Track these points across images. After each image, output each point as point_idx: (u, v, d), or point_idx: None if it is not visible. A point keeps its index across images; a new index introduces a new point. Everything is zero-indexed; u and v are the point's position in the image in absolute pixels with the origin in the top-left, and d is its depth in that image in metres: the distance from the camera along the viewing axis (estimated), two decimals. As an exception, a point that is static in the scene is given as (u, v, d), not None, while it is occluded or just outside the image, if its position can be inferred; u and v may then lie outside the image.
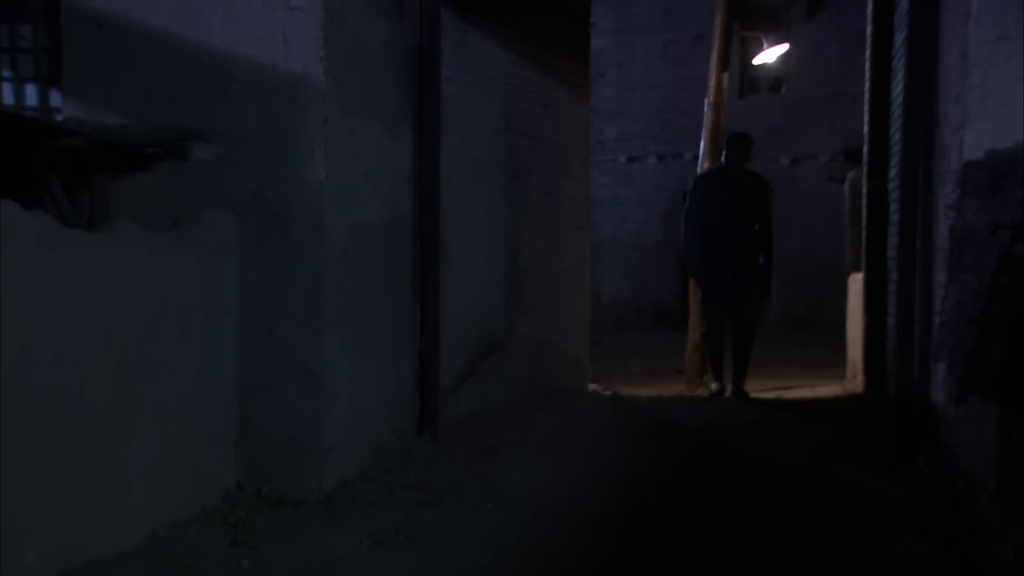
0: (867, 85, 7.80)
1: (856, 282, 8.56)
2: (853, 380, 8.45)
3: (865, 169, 7.89)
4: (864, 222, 7.88)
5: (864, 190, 7.91)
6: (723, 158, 7.91)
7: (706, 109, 9.31)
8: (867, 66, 7.81)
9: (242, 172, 4.64)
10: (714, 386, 8.16)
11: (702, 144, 9.35)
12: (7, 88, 5.40)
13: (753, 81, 16.23)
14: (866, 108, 7.87)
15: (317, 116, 4.59)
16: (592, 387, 8.25)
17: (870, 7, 7.78)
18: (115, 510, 3.80)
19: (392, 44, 5.29)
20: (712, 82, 9.19)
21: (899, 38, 6.62)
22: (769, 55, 13.67)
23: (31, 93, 5.33)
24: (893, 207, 6.67)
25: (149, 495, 4.00)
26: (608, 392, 8.21)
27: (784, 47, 13.47)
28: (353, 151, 4.87)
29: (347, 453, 4.87)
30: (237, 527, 4.17)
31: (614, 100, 16.29)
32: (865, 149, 7.87)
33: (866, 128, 7.85)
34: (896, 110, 6.60)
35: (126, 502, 3.86)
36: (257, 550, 3.96)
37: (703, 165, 9.32)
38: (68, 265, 3.57)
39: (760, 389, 8.66)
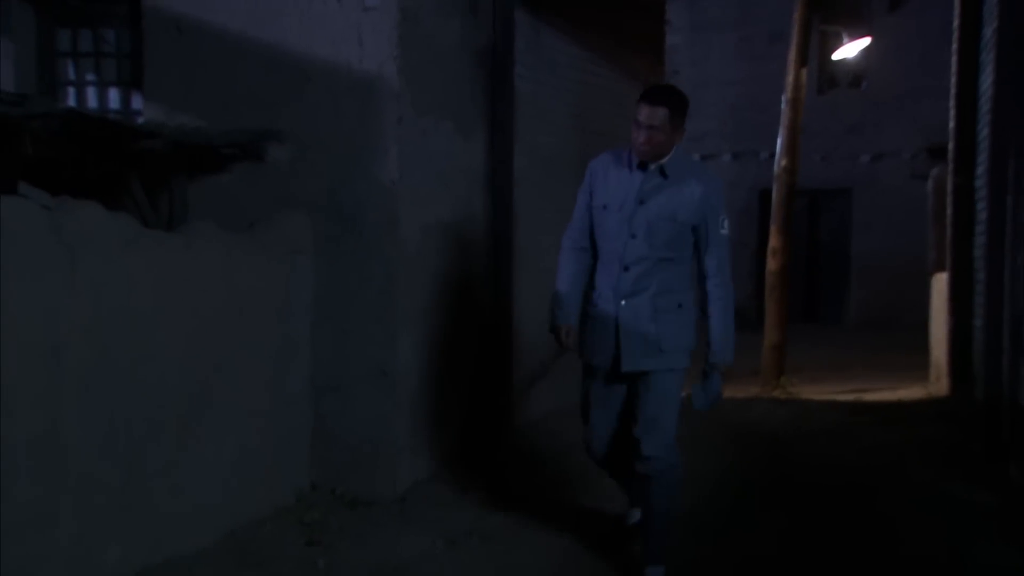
0: (953, 80, 7.56)
1: (940, 282, 8.31)
2: (937, 383, 8.20)
3: (951, 166, 7.65)
4: (949, 220, 7.64)
5: (949, 188, 7.67)
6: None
7: (783, 106, 9.12)
8: (953, 60, 7.56)
9: (317, 172, 4.66)
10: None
11: (779, 142, 9.16)
12: (91, 92, 5.52)
13: (832, 77, 15.87)
14: (952, 103, 7.62)
15: (391, 116, 4.59)
16: (666, 388, 8.11)
17: (957, -1, 7.54)
18: (193, 509, 3.84)
19: (465, 43, 5.27)
20: (790, 78, 9.00)
21: (988, 30, 6.39)
22: (850, 50, 13.34)
23: (114, 96, 5.45)
24: (980, 205, 6.44)
25: (226, 494, 4.04)
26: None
27: (865, 41, 13.14)
28: (426, 151, 4.86)
29: (420, 454, 4.87)
30: (312, 527, 4.19)
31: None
32: (951, 145, 7.63)
33: (952, 124, 7.61)
34: (984, 105, 6.37)
35: (204, 501, 3.90)
36: (332, 550, 3.97)
37: (780, 164, 9.13)
38: (148, 266, 3.62)
39: (839, 392, 8.47)
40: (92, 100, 5.52)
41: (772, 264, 9.13)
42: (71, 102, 5.46)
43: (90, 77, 5.53)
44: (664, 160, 3.65)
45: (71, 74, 5.54)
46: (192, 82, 4.84)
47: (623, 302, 3.64)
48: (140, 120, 5.04)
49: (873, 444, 6.02)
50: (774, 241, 9.10)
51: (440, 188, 5.04)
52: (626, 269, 3.64)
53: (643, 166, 3.65)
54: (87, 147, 4.39)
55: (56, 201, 3.38)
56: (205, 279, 3.94)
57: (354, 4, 4.60)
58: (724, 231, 3.70)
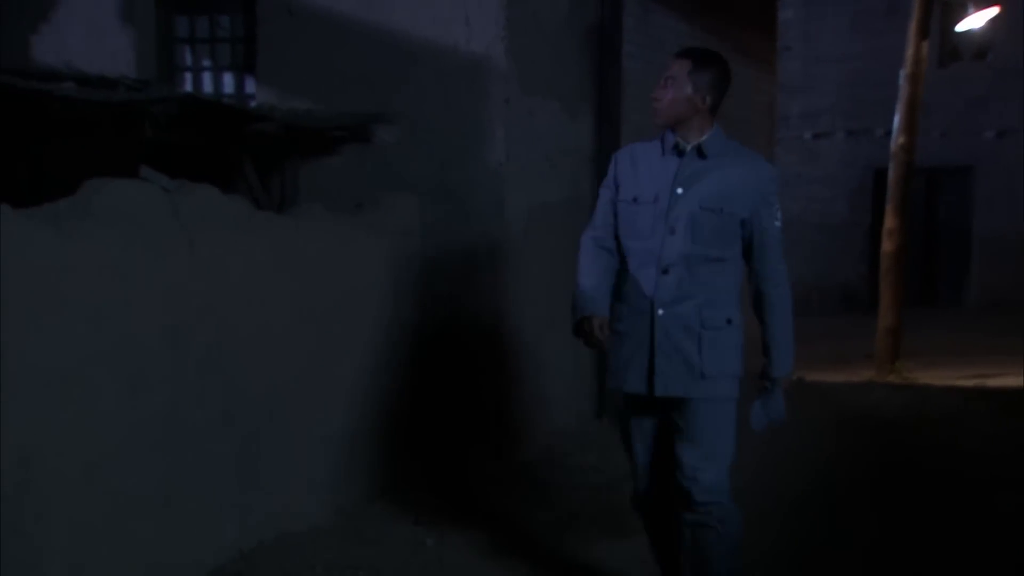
0: (1087, 49, 7.16)
1: (1070, 264, 7.91)
2: (1066, 369, 7.82)
3: (1083, 141, 7.27)
4: (1081, 199, 7.27)
5: (1082, 164, 7.29)
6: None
7: (901, 81, 8.77)
8: (1087, 29, 7.16)
9: (423, 154, 4.69)
10: None
11: (896, 118, 8.83)
12: (206, 76, 5.66)
13: (955, 49, 15.21)
14: (1085, 75, 7.23)
15: (498, 97, 4.58)
16: (775, 372, 7.96)
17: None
18: (304, 487, 3.92)
19: (572, 22, 5.22)
20: (910, 52, 8.64)
21: None
22: (975, 20, 12.76)
23: (228, 81, 5.57)
24: (1116, 182, 6.10)
25: (335, 473, 4.11)
26: (793, 377, 7.91)
27: (993, 11, 12.54)
28: (533, 132, 4.84)
29: (528, 434, 4.87)
30: (419, 506, 4.23)
31: (800, 75, 15.62)
32: (1084, 119, 7.24)
33: (1085, 96, 7.22)
34: (1122, 76, 6.01)
35: (314, 479, 3.98)
36: (439, 529, 4.01)
37: (897, 141, 8.81)
38: (261, 247, 3.69)
39: (959, 377, 8.15)
40: (207, 85, 5.66)
41: (887, 245, 8.84)
42: (187, 87, 5.61)
43: (206, 62, 5.67)
44: (703, 138, 3.01)
45: (188, 59, 5.69)
46: (303, 65, 4.91)
47: (661, 311, 2.96)
48: (253, 104, 5.14)
49: (995, 432, 5.78)
50: (890, 221, 8.81)
51: (547, 169, 5.01)
52: (665, 272, 2.97)
53: (679, 150, 3.02)
54: (203, 131, 4.50)
55: (175, 183, 3.47)
56: (315, 260, 4.01)
57: (462, -16, 4.60)
58: (779, 223, 3.04)
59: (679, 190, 2.99)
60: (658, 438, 3.11)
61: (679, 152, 3.02)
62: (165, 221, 3.25)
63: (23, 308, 2.71)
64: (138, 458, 3.12)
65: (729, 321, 3.00)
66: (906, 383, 8.02)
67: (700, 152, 3.00)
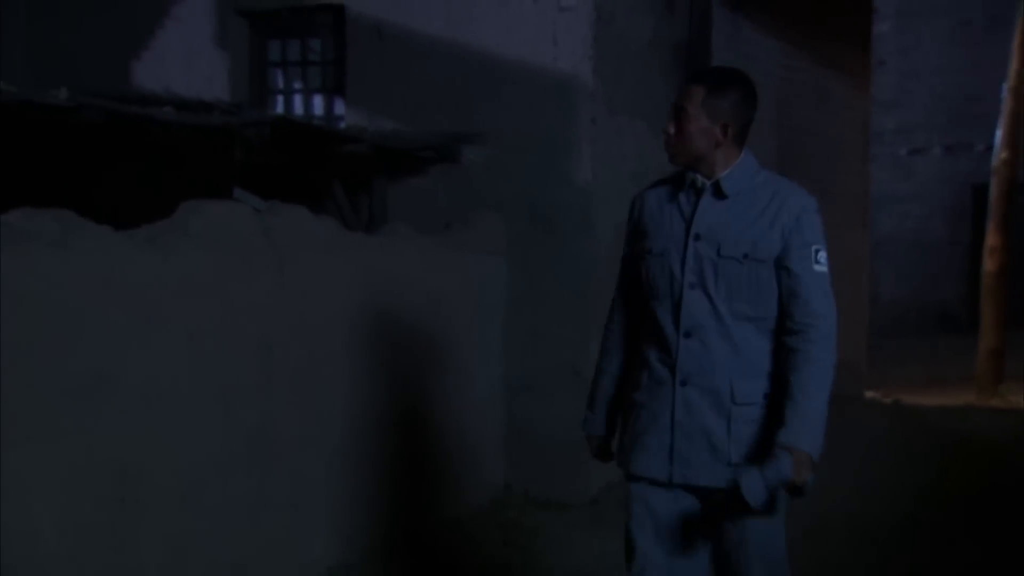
0: None
1: None
2: None
3: None
4: None
5: None
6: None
7: (1004, 95, 8.50)
8: None
9: (510, 174, 4.69)
10: None
11: (998, 133, 8.55)
12: (297, 99, 5.77)
13: (1059, 61, 14.74)
14: None
15: (585, 116, 4.56)
16: (870, 394, 7.77)
17: None
18: (390, 505, 3.93)
19: (659, 41, 5.17)
20: (1014, 65, 8.37)
21: None
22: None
23: (317, 102, 5.67)
24: None
25: (422, 492, 4.12)
26: (888, 400, 7.69)
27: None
28: (620, 151, 4.80)
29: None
30: (507, 527, 4.22)
31: (894, 89, 15.24)
32: None
33: None
34: None
35: (401, 499, 3.99)
36: (527, 551, 3.99)
37: (999, 157, 8.52)
38: (350, 266, 3.73)
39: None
40: (298, 107, 5.76)
41: (990, 264, 8.56)
42: (279, 109, 5.72)
43: (297, 85, 5.78)
44: (724, 173, 2.49)
45: (279, 82, 5.80)
46: (391, 86, 4.97)
47: (683, 383, 2.45)
48: (342, 125, 5.22)
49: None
50: (992, 239, 8.52)
51: (633, 188, 4.94)
52: (687, 335, 2.46)
53: (697, 189, 2.51)
54: (294, 152, 4.58)
55: (267, 204, 3.54)
56: (402, 279, 4.04)
57: (549, 5, 4.60)
58: (820, 267, 2.43)
59: (696, 237, 2.48)
60: (675, 533, 2.51)
61: (697, 192, 2.52)
62: (257, 241, 3.31)
63: (124, 326, 2.78)
64: (230, 474, 3.16)
65: (766, 396, 2.43)
66: (1010, 407, 7.73)
67: (718, 190, 2.49)
